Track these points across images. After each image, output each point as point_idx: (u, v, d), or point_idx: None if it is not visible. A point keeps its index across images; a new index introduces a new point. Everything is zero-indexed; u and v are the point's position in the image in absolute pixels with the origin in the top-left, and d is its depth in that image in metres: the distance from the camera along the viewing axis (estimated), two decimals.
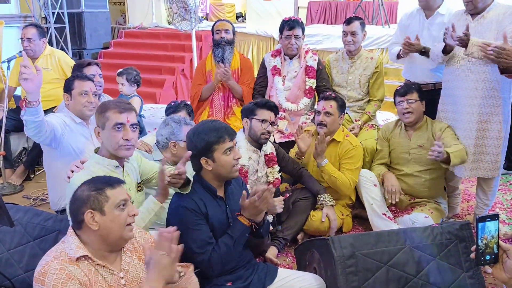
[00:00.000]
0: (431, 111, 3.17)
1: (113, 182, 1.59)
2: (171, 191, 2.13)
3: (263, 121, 2.80)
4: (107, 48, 7.63)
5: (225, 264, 2.00)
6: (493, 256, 1.40)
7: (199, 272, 1.96)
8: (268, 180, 2.93)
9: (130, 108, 2.12)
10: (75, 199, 1.55)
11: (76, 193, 1.57)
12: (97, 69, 3.46)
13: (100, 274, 1.54)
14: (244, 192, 1.99)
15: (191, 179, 2.09)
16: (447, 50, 2.91)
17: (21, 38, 3.94)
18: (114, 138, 2.05)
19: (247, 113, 2.87)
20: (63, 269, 1.45)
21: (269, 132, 2.83)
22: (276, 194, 2.61)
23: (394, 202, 2.96)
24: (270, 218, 2.74)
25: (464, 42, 2.70)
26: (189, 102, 3.32)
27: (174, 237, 1.53)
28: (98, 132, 2.11)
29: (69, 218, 1.61)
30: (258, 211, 2.00)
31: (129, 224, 1.59)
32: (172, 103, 3.18)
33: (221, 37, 3.71)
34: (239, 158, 2.07)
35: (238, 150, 2.12)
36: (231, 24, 3.84)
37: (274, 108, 2.86)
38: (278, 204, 2.63)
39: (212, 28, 3.82)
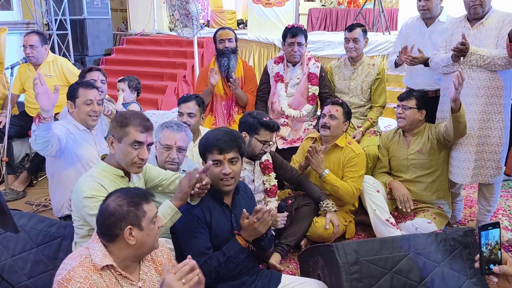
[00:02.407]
0: (432, 118, 3.18)
1: (147, 196, 1.60)
2: None
3: (264, 142, 2.74)
4: (109, 54, 7.65)
5: (214, 278, 1.98)
6: (497, 265, 1.38)
7: None
8: (265, 188, 2.92)
9: (151, 127, 2.08)
10: (109, 214, 1.52)
11: (109, 207, 1.53)
12: (99, 74, 3.46)
13: (120, 284, 1.55)
14: (244, 210, 1.97)
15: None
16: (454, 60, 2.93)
17: (24, 45, 3.94)
18: (130, 155, 2.02)
19: (249, 128, 2.75)
20: (88, 278, 1.46)
21: (265, 152, 2.81)
22: (280, 210, 2.61)
23: (409, 210, 2.97)
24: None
25: (463, 52, 2.71)
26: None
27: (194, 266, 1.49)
28: (112, 142, 2.05)
29: (93, 229, 1.58)
30: (257, 233, 1.98)
31: (157, 235, 1.61)
32: (185, 94, 3.24)
33: (225, 47, 3.72)
34: (228, 173, 2.01)
35: (229, 165, 2.04)
36: (233, 31, 3.85)
37: (276, 130, 2.81)
38: (281, 220, 2.62)
39: (215, 37, 3.82)
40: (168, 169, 2.49)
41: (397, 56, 3.34)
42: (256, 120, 2.75)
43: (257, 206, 1.99)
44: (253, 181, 2.87)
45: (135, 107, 3.77)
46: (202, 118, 3.21)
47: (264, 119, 2.76)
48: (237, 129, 2.85)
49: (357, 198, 3.06)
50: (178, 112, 3.13)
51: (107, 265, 1.52)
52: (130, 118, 2.03)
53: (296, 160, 3.19)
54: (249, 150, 2.75)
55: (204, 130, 3.24)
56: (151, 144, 2.09)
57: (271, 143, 2.80)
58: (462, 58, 2.76)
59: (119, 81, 3.84)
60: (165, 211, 2.04)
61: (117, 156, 2.06)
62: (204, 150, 2.08)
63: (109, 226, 1.53)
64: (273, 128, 2.76)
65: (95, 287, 1.46)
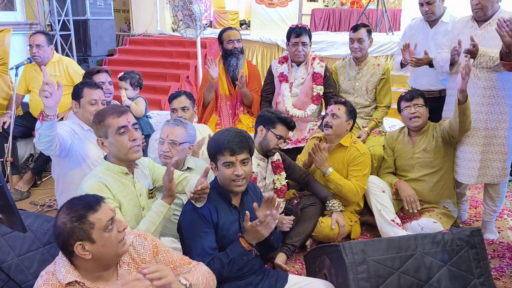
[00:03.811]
0: (436, 118, 3.18)
1: (93, 204, 1.49)
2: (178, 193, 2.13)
3: (279, 137, 2.80)
4: (112, 55, 7.67)
5: (217, 279, 1.95)
6: None
7: None
8: (275, 187, 2.93)
9: (125, 110, 2.13)
10: (58, 233, 1.45)
11: (56, 225, 1.46)
12: (106, 76, 3.47)
13: None
14: (247, 212, 1.96)
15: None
16: (452, 63, 2.93)
17: (30, 45, 3.95)
18: (122, 143, 2.04)
19: (266, 122, 2.82)
20: None
21: (280, 148, 2.85)
22: (286, 213, 2.61)
23: (416, 211, 2.96)
24: None
25: (473, 53, 2.71)
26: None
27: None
28: (102, 143, 2.09)
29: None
30: (260, 236, 1.97)
31: (122, 239, 1.53)
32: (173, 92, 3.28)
33: (235, 47, 3.72)
34: (238, 175, 2.02)
35: (241, 166, 2.04)
36: (239, 32, 3.87)
37: (293, 127, 2.87)
38: (287, 222, 2.62)
39: (221, 37, 3.80)
40: (162, 162, 2.52)
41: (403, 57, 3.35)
42: (274, 115, 2.84)
43: (265, 196, 2.00)
44: (265, 178, 2.89)
45: (141, 101, 3.79)
46: (195, 111, 3.26)
47: (283, 115, 2.85)
48: (243, 129, 2.88)
49: (362, 197, 3.05)
50: (171, 109, 3.16)
51: (74, 281, 1.46)
52: (104, 112, 2.09)
53: (302, 160, 3.19)
54: (263, 144, 2.83)
55: (198, 126, 3.25)
56: (135, 124, 2.12)
57: (286, 140, 2.86)
58: (472, 60, 2.75)
59: (120, 79, 3.84)
60: (157, 210, 2.07)
61: (112, 152, 2.08)
62: (215, 152, 2.07)
63: (61, 245, 1.47)
64: (289, 124, 2.84)
65: None
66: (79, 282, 1.47)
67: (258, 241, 2.01)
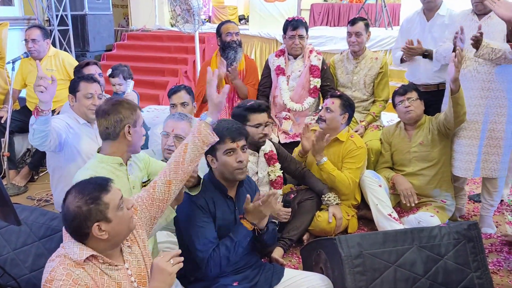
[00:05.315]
0: (435, 112, 3.17)
1: (105, 185, 1.52)
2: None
3: (257, 126, 2.74)
4: (110, 50, 7.64)
5: (224, 266, 1.98)
6: None
7: (201, 272, 1.99)
8: (270, 179, 2.91)
9: None
10: (72, 218, 1.47)
11: (69, 211, 1.48)
12: (96, 68, 3.45)
13: (105, 273, 1.53)
14: (248, 195, 1.98)
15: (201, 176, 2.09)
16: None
17: (25, 40, 3.94)
18: (140, 134, 2.10)
19: (240, 119, 2.72)
20: (69, 274, 1.43)
21: (265, 134, 2.79)
22: (285, 205, 2.60)
23: (413, 205, 2.96)
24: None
25: (479, 41, 2.69)
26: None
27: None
28: (129, 131, 2.04)
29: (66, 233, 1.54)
30: (262, 216, 1.99)
31: (131, 216, 1.58)
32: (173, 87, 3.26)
33: (233, 40, 3.70)
34: (241, 161, 2.04)
35: (242, 152, 2.07)
36: (236, 25, 3.85)
37: (266, 109, 2.80)
38: (284, 214, 2.62)
39: (219, 30, 3.77)
40: (166, 157, 2.52)
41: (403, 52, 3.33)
42: (242, 108, 2.79)
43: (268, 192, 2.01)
44: (257, 173, 2.87)
45: (132, 95, 3.77)
46: (194, 106, 3.24)
47: (248, 104, 2.78)
48: None
49: (353, 190, 3.01)
50: (171, 104, 3.15)
51: (88, 257, 1.48)
52: (133, 103, 2.13)
53: (297, 151, 3.18)
54: (249, 139, 2.77)
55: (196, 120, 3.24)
56: None
57: (268, 123, 2.79)
58: (474, 51, 2.74)
59: (111, 76, 3.76)
60: None
61: (133, 141, 2.07)
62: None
63: (76, 229, 1.49)
64: (259, 108, 2.75)
65: (80, 281, 1.43)
66: (95, 256, 1.50)
67: (257, 233, 2.03)
